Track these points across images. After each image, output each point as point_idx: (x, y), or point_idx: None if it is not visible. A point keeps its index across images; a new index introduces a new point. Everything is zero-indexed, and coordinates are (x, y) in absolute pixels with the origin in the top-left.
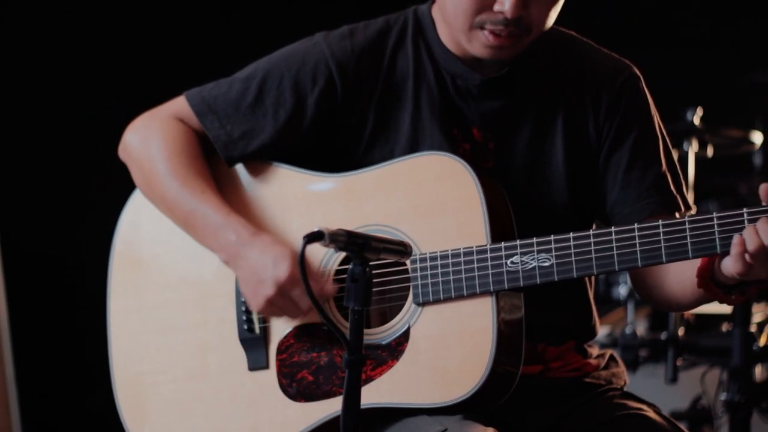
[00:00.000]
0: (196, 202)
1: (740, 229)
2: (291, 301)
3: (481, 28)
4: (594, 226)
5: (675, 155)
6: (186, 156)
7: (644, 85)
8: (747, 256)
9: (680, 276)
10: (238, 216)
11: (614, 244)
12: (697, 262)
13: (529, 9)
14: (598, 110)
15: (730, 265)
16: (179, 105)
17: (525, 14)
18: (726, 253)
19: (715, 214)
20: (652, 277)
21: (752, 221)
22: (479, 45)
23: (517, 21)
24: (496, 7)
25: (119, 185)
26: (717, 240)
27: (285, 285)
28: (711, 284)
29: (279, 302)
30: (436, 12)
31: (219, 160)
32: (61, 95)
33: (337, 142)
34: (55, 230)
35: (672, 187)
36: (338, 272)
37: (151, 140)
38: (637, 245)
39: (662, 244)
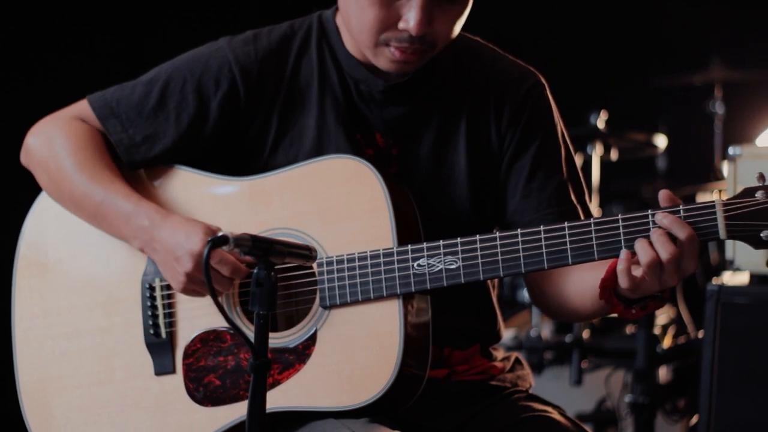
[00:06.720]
0: (106, 192)
1: (645, 230)
2: (213, 272)
3: (387, 44)
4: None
5: (580, 159)
6: (91, 150)
7: (549, 93)
8: (635, 270)
9: (581, 286)
10: (149, 202)
11: (520, 246)
12: (599, 274)
13: (434, 25)
14: (501, 117)
15: (618, 280)
16: (81, 108)
17: (429, 31)
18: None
19: (620, 216)
20: (551, 285)
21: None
22: (385, 60)
23: (422, 38)
24: (401, 25)
25: (37, 187)
26: (622, 242)
27: (201, 256)
28: (612, 296)
29: (199, 276)
30: (340, 18)
31: (122, 165)
32: None
33: (241, 146)
34: None
35: (573, 196)
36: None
37: (54, 139)
38: (543, 247)
39: (568, 246)
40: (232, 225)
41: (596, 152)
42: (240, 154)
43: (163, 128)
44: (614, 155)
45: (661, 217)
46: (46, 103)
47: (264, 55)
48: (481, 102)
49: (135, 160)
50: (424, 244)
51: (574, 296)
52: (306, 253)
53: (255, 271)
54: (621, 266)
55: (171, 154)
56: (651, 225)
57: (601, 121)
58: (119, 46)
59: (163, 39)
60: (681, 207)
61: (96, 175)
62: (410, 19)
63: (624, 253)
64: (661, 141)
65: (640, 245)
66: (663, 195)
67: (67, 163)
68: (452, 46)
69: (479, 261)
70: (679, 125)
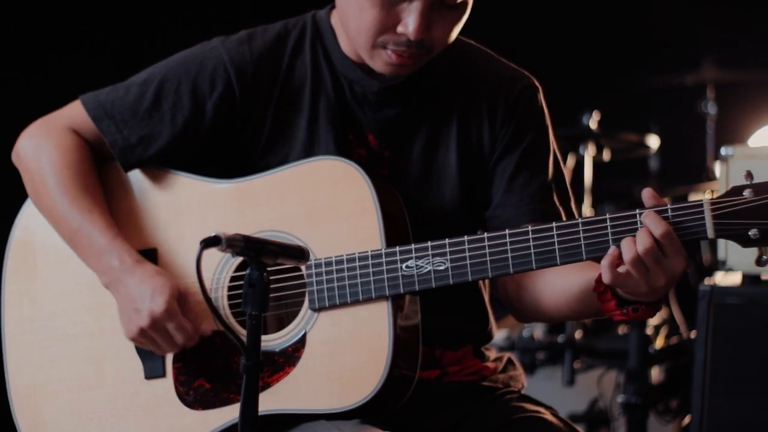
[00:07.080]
0: (83, 221)
1: (633, 230)
2: (164, 334)
3: (384, 47)
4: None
5: (572, 160)
6: (77, 171)
7: (542, 97)
8: (619, 267)
9: (568, 280)
10: (123, 241)
11: (509, 247)
12: (589, 271)
13: (432, 31)
14: (494, 119)
15: (602, 274)
16: (75, 110)
17: (427, 36)
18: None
19: (608, 215)
20: (530, 278)
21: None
22: (381, 62)
23: (419, 43)
24: (400, 29)
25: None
26: (611, 241)
27: (160, 318)
28: (607, 291)
29: (151, 334)
30: (335, 18)
31: (113, 166)
32: None
33: (236, 146)
34: None
35: (556, 198)
36: (233, 279)
37: (42, 151)
38: (531, 247)
39: (556, 246)
40: (220, 227)
41: (588, 153)
42: (235, 154)
43: (158, 129)
44: (606, 156)
45: (644, 215)
46: (46, 103)
47: (259, 55)
48: (474, 104)
49: (129, 161)
50: (412, 246)
51: (557, 291)
52: (299, 253)
53: (248, 271)
54: (605, 261)
55: (166, 156)
56: (639, 224)
57: (593, 122)
58: (119, 46)
59: (163, 39)
60: (669, 206)
61: (77, 200)
62: (409, 24)
63: (611, 249)
64: (653, 141)
65: (625, 242)
66: (646, 193)
67: (51, 180)
68: (447, 49)
69: (467, 262)
70: (671, 126)
